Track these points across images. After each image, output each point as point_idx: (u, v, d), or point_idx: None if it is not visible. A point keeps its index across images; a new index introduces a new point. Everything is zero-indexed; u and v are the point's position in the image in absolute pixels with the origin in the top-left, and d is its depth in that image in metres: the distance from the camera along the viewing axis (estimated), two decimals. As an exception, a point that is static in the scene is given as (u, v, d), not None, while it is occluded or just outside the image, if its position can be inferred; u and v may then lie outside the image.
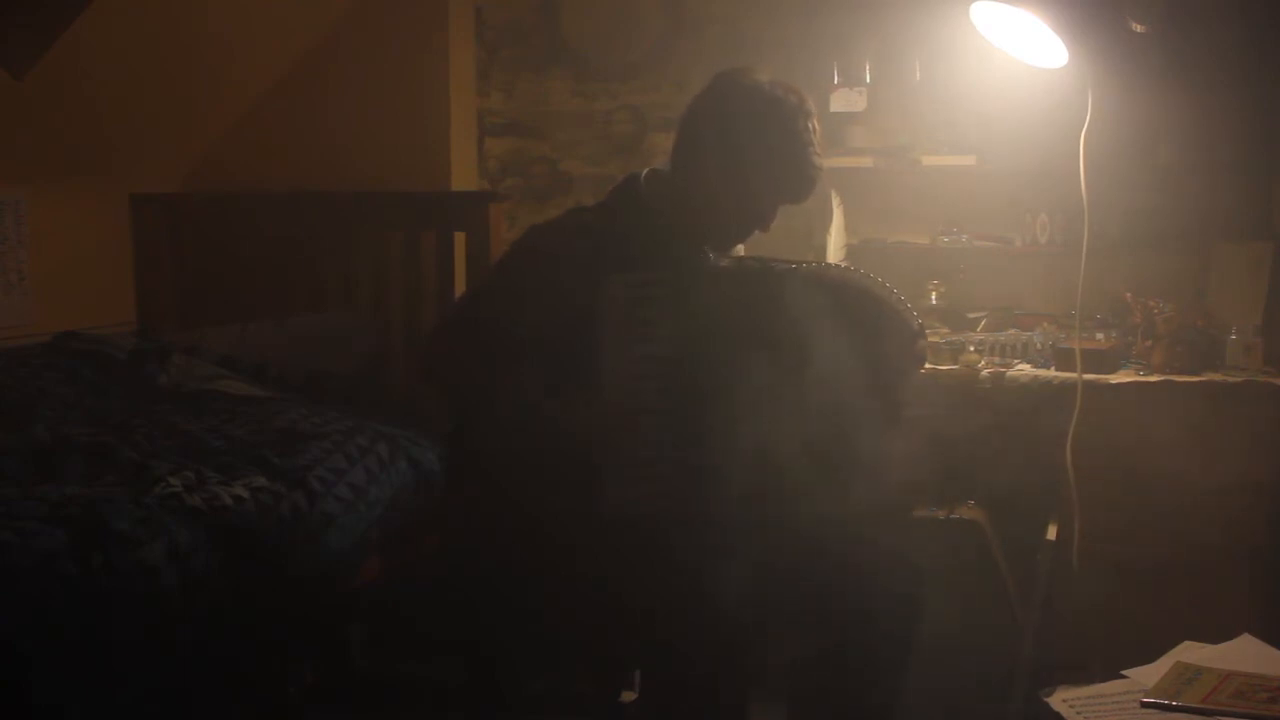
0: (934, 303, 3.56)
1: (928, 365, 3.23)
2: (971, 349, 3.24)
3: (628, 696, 2.54)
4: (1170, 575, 3.04)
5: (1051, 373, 3.15)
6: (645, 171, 2.37)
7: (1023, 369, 3.19)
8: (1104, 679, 2.67)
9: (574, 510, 2.15)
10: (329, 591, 2.71)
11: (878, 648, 2.29)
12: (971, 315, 3.52)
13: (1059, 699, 2.59)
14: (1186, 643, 2.70)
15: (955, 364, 3.21)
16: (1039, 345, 3.27)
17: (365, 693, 3.08)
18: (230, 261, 3.82)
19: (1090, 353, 3.11)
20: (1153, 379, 3.08)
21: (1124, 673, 2.65)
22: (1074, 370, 3.07)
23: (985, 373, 3.17)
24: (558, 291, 2.18)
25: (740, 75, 2.31)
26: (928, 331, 3.44)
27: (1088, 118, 3.03)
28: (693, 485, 2.16)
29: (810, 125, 2.27)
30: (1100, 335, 3.26)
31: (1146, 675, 2.58)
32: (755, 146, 2.25)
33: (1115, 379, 3.09)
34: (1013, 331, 3.38)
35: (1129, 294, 3.28)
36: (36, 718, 2.01)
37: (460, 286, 3.63)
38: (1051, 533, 3.07)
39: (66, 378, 3.20)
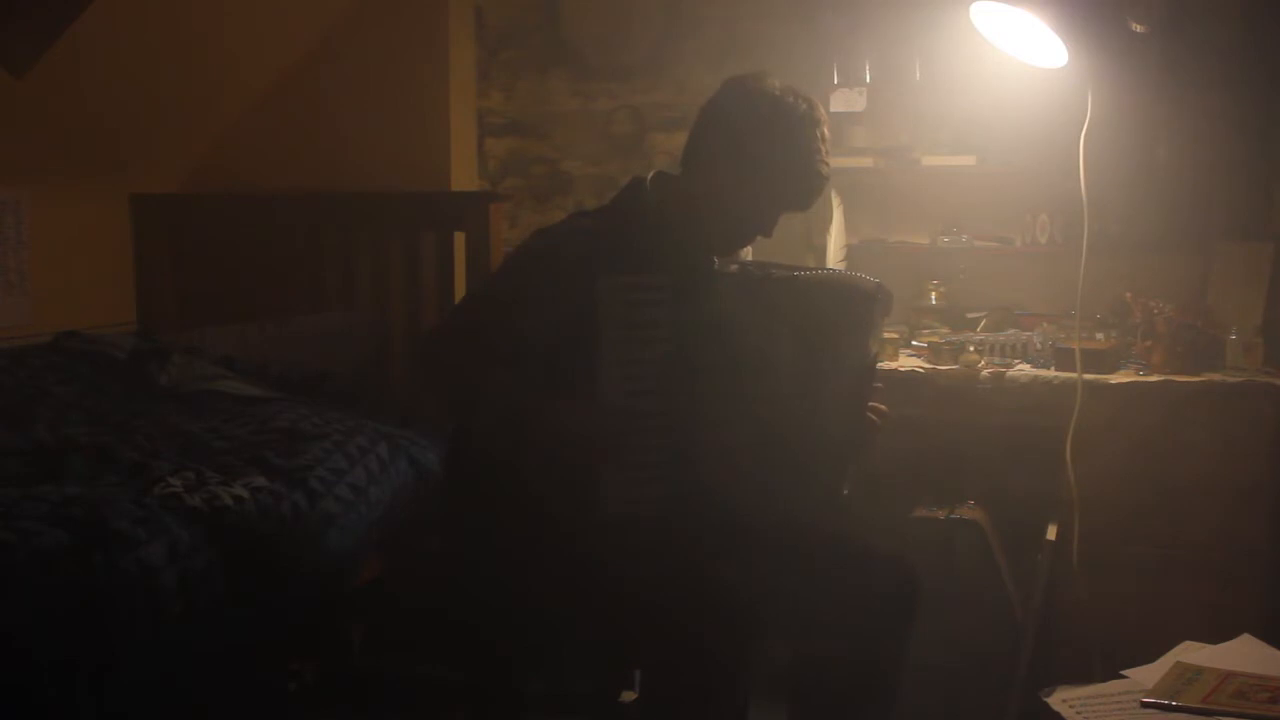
0: (934, 303, 3.56)
1: (927, 365, 3.24)
2: (971, 349, 3.23)
3: (628, 696, 2.54)
4: (1170, 575, 3.03)
5: (1051, 373, 3.14)
6: (651, 175, 2.37)
7: (1023, 369, 3.19)
8: (1104, 679, 2.68)
9: (574, 511, 2.15)
10: (329, 591, 2.71)
11: (877, 647, 2.29)
12: (971, 315, 3.52)
13: (1059, 699, 2.60)
14: (1186, 643, 2.71)
15: (955, 364, 3.21)
16: (1039, 345, 3.26)
17: (365, 693, 3.08)
18: (230, 261, 3.83)
19: (1090, 353, 3.11)
20: (1153, 379, 3.08)
21: (1124, 673, 2.65)
22: (1074, 370, 3.07)
23: (985, 373, 3.17)
24: (558, 294, 2.18)
25: (752, 81, 2.30)
26: (926, 331, 3.46)
27: (1087, 118, 3.03)
28: (690, 487, 2.16)
29: (820, 134, 2.27)
30: (1100, 335, 3.26)
31: (1146, 675, 2.59)
32: (767, 154, 2.25)
33: (1115, 379, 3.09)
34: (1013, 331, 3.38)
35: (1129, 294, 3.27)
36: (38, 717, 2.01)
37: (460, 286, 3.64)
38: (1051, 533, 3.07)
39: (66, 378, 3.20)
